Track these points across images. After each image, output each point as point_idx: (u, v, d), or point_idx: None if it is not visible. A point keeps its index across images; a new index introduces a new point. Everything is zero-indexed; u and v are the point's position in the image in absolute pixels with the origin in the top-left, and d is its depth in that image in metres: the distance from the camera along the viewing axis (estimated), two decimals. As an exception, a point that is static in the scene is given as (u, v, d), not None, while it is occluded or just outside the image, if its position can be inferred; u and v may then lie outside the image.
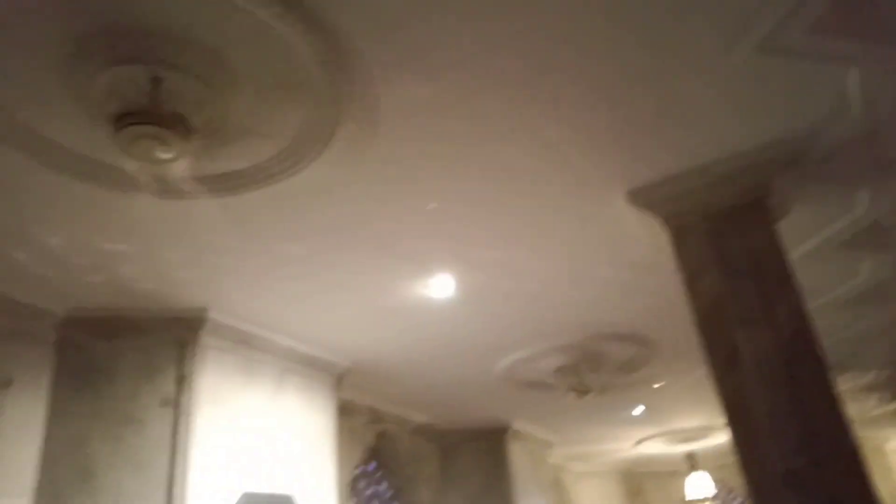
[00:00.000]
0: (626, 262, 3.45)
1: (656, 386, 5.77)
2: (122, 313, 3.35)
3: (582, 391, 5.14)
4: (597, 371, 5.02)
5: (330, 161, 2.45)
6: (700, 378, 4.85)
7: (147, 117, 2.06)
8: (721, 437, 7.82)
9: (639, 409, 6.63)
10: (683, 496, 9.15)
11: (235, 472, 3.44)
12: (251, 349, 3.80)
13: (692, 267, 2.76)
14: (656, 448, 8.53)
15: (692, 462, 8.73)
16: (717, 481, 8.75)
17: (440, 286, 3.55)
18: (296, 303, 3.60)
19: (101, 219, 2.67)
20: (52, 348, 3.24)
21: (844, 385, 4.06)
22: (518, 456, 6.62)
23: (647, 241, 3.13)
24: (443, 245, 3.15)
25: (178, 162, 2.26)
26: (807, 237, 3.33)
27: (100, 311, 3.31)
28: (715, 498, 8.84)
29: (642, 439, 8.06)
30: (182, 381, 3.38)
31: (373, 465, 5.54)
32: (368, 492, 5.41)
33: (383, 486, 5.63)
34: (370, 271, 3.32)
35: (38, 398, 3.12)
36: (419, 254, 3.20)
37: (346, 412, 4.63)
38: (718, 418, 6.85)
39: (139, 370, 3.34)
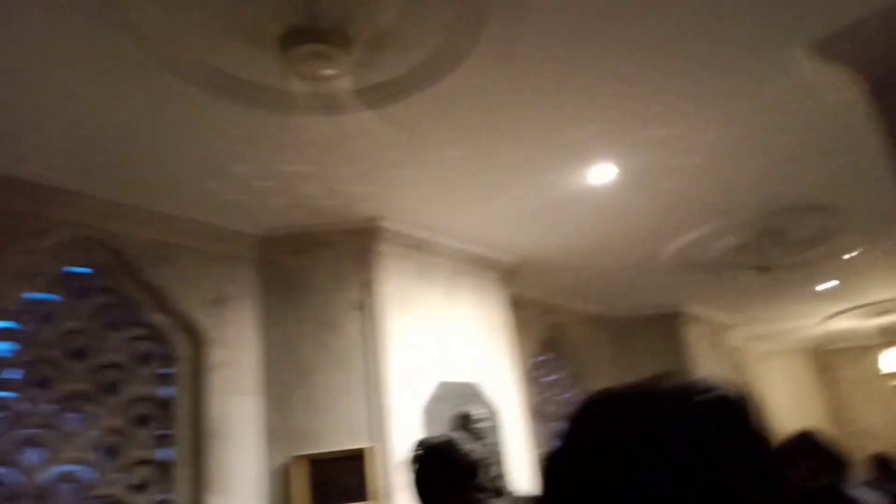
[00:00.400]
0: (808, 124, 3.13)
1: (846, 257, 5.32)
2: (308, 230, 3.64)
3: (762, 269, 4.87)
4: (778, 246, 4.71)
5: (479, 61, 2.41)
6: (900, 244, 4.41)
7: (308, 36, 2.14)
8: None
9: (828, 284, 6.17)
10: (878, 370, 8.56)
11: (426, 365, 3.72)
12: (425, 253, 3.99)
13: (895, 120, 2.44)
14: (847, 322, 7.96)
15: (889, 335, 8.08)
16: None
17: (601, 173, 3.46)
18: (461, 205, 3.69)
19: (279, 142, 2.85)
20: (255, 266, 3.61)
21: None
22: (695, 339, 6.50)
23: (835, 98, 2.81)
24: (601, 131, 3.04)
25: (340, 77, 2.36)
26: None
27: (289, 230, 3.62)
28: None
29: (832, 315, 7.55)
30: (366, 287, 3.65)
31: (549, 354, 5.71)
32: (546, 379, 5.62)
33: (560, 374, 5.82)
34: (530, 167, 3.30)
35: (250, 310, 3.53)
36: (577, 143, 3.12)
37: (518, 306, 4.78)
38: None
39: (329, 280, 3.65)
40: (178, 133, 2.68)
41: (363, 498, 3.23)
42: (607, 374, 6.02)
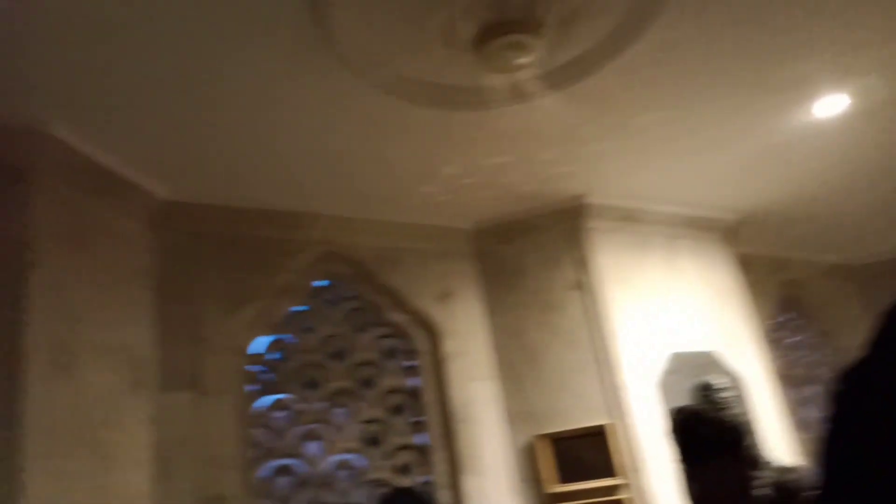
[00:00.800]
0: None
1: None
2: (516, 217, 3.73)
3: None
4: None
5: (671, 17, 2.31)
6: None
7: (501, 29, 2.21)
8: None
9: None
10: None
11: (656, 337, 3.62)
12: (637, 223, 3.89)
13: None
14: None
15: None
16: None
17: (829, 105, 3.10)
18: (670, 168, 3.53)
19: (479, 138, 2.96)
20: (473, 259, 3.80)
21: None
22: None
23: None
24: (826, 60, 2.72)
25: (533, 63, 2.39)
26: None
27: (499, 220, 3.75)
28: None
29: None
30: (581, 265, 3.65)
31: (789, 314, 5.24)
32: (790, 341, 5.16)
33: (805, 334, 5.31)
34: (742, 113, 3.07)
35: (474, 300, 3.71)
36: (798, 77, 2.83)
37: (747, 265, 4.44)
38: None
39: (544, 263, 3.71)
40: (392, 146, 2.91)
41: (610, 473, 3.24)
42: (859, 329, 5.37)
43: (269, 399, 3.09)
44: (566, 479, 3.31)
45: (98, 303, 2.44)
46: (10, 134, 2.30)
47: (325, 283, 3.43)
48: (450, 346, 3.53)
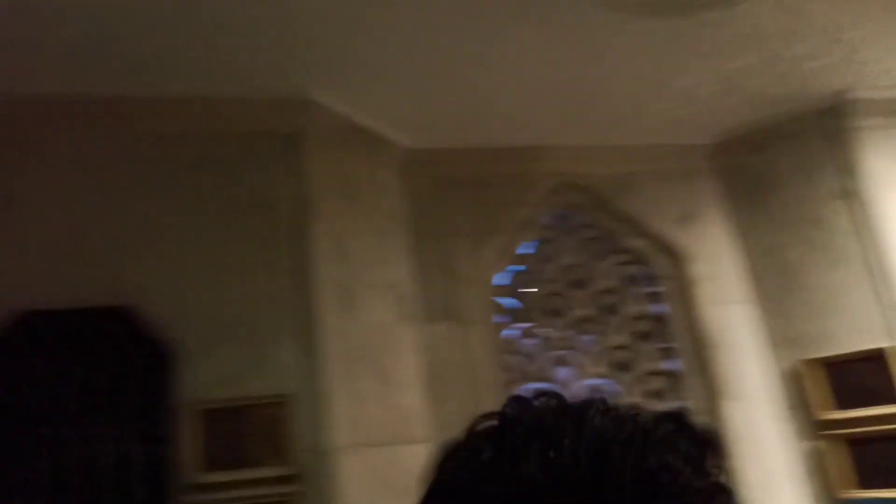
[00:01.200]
0: None
1: None
2: (764, 124, 3.39)
3: None
4: None
5: None
6: None
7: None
8: None
9: None
10: None
11: (949, 246, 3.13)
12: (918, 117, 3.33)
13: None
14: None
15: None
16: None
17: None
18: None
19: (712, 43, 2.71)
20: (715, 176, 3.55)
21: None
22: None
23: None
24: None
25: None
26: None
27: (743, 129, 3.43)
28: None
29: None
30: (847, 171, 3.23)
31: None
32: None
33: None
34: None
35: (720, 220, 3.49)
36: None
37: None
38: None
39: (800, 172, 3.35)
40: (619, 66, 2.80)
41: (893, 400, 2.92)
42: None
43: (517, 327, 3.25)
44: (842, 405, 3.05)
45: (367, 246, 2.74)
46: (283, 105, 2.64)
47: (562, 213, 3.46)
48: (697, 269, 3.38)
